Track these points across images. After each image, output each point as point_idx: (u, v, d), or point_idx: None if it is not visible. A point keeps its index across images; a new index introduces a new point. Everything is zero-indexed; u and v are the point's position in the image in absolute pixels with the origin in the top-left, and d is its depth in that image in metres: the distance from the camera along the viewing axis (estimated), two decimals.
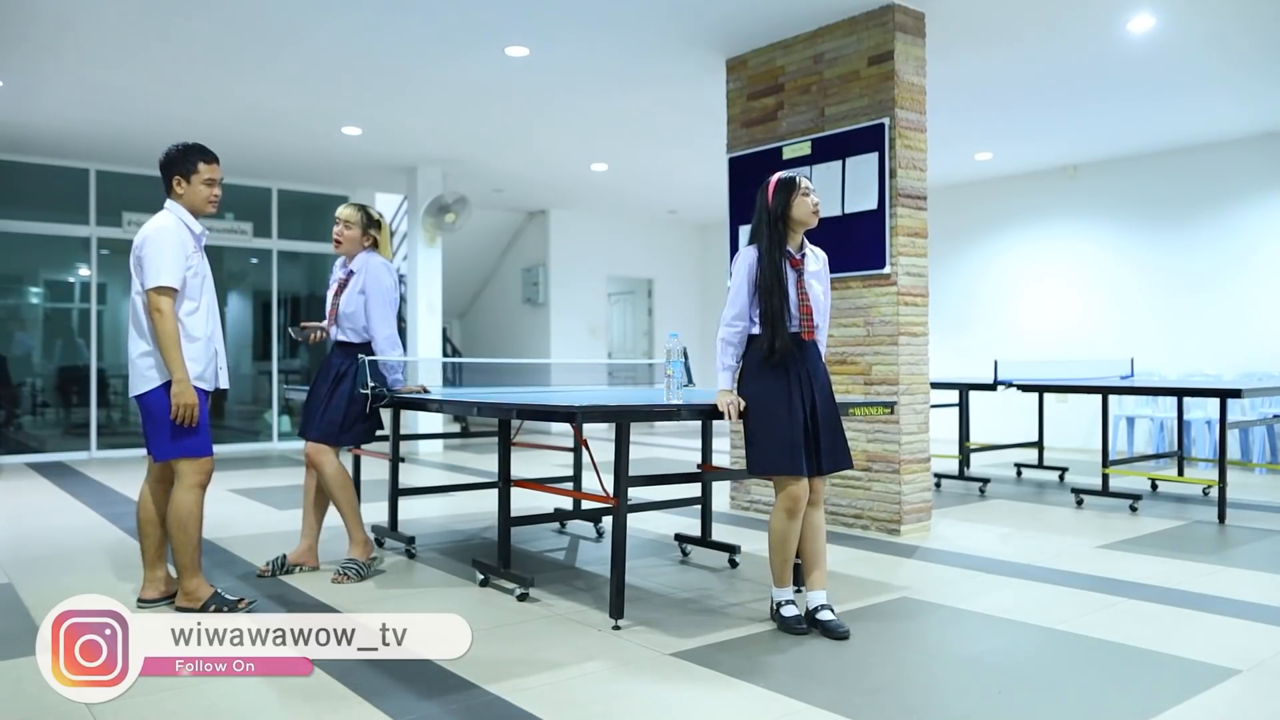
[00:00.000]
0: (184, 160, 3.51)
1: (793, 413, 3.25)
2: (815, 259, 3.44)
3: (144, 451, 3.58)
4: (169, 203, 3.52)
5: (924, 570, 4.34)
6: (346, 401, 4.15)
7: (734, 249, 5.98)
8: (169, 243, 3.40)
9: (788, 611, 3.33)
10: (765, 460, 3.28)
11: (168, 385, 3.40)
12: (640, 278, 13.47)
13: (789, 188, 3.35)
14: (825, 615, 3.29)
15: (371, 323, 4.15)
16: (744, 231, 5.96)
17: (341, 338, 4.24)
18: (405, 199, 10.75)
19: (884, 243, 5.20)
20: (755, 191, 3.44)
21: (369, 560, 4.16)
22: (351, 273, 4.23)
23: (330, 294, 4.28)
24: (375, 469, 5.63)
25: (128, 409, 10.07)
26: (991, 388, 7.10)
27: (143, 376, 3.45)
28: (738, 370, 3.39)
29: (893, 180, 5.19)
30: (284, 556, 4.20)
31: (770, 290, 3.26)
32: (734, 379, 3.38)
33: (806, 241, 3.44)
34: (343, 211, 4.28)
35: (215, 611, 3.40)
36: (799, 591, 3.47)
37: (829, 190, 5.42)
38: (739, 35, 5.77)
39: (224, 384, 3.64)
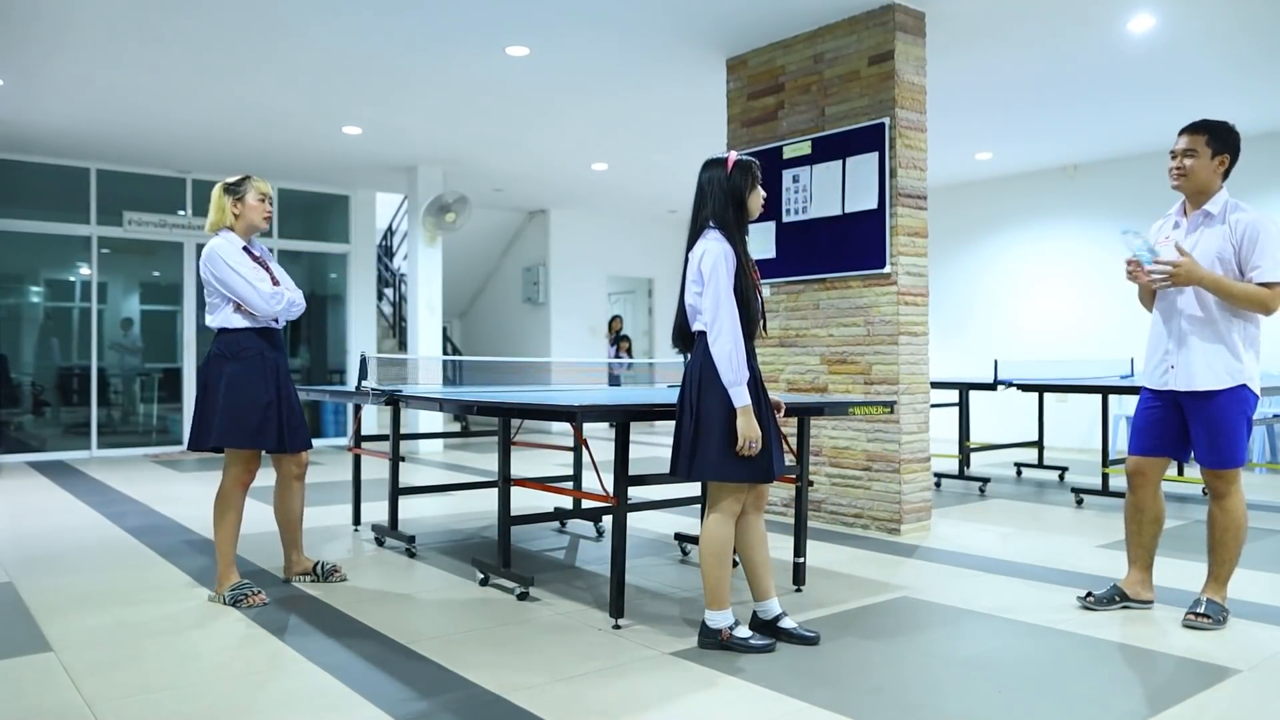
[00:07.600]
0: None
1: (763, 419, 3.06)
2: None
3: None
4: None
5: (924, 570, 4.34)
6: None
7: None
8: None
9: (743, 633, 3.10)
10: (750, 467, 3.03)
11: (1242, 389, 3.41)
12: (640, 277, 13.48)
13: (749, 171, 3.05)
14: (789, 623, 3.19)
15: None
16: None
17: (274, 324, 3.83)
18: (405, 199, 10.76)
19: (884, 242, 5.20)
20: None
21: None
22: (264, 256, 3.89)
23: (267, 275, 3.79)
24: (375, 468, 5.63)
25: (128, 408, 10.08)
26: (991, 387, 7.11)
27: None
28: None
29: (893, 180, 5.19)
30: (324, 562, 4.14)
31: (749, 294, 3.00)
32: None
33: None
34: (270, 190, 3.88)
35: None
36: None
37: (829, 190, 5.42)
38: (739, 35, 5.77)
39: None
